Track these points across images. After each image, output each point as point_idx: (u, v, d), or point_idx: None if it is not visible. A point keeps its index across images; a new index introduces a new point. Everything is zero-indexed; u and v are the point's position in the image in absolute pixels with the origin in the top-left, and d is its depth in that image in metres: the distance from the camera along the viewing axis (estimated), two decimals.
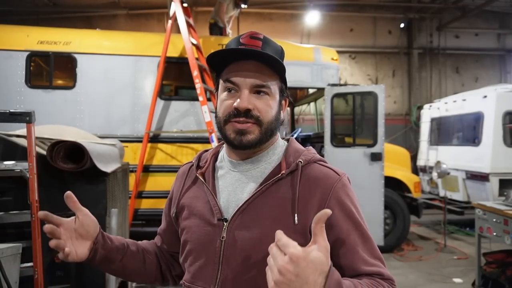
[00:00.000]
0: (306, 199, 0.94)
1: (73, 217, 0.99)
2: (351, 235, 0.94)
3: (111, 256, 1.05)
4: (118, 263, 1.07)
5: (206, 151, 1.15)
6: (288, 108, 6.80)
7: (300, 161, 0.97)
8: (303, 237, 0.92)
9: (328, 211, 0.73)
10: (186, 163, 1.16)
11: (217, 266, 0.95)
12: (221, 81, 1.00)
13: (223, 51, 0.96)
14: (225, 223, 0.96)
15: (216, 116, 1.01)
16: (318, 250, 0.71)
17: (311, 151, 1.04)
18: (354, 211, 0.96)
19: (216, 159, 1.09)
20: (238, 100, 0.94)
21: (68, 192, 0.98)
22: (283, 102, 1.03)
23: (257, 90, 0.95)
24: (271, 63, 0.95)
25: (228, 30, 5.85)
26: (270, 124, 0.97)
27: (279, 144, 1.05)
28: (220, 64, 1.00)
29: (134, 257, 1.11)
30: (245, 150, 0.98)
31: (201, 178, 1.04)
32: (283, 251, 0.70)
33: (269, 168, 1.00)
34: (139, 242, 1.18)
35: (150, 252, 1.16)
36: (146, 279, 1.14)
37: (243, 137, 0.95)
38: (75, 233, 0.98)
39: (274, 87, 0.98)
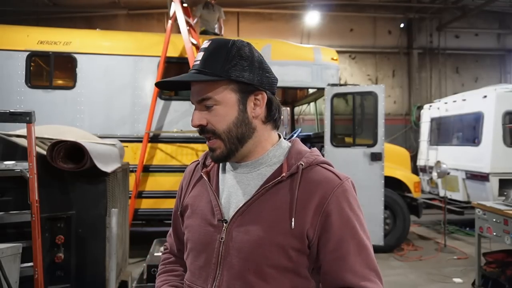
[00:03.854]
0: (304, 203, 0.92)
1: None
2: (344, 243, 0.91)
3: None
4: None
5: None
6: (288, 108, 6.85)
7: (301, 164, 0.95)
8: (300, 241, 0.91)
9: None
10: (194, 161, 1.17)
11: (216, 267, 0.95)
12: None
13: (163, 83, 1.03)
14: (224, 224, 0.96)
15: None
16: None
17: (314, 153, 1.01)
18: (353, 218, 0.93)
19: None
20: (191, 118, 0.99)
21: None
22: (256, 97, 0.97)
23: (204, 105, 0.95)
24: (201, 81, 0.94)
25: (216, 31, 5.99)
26: (229, 132, 0.95)
27: (281, 145, 1.03)
28: None
29: None
30: (223, 162, 1.03)
31: (205, 177, 1.04)
32: None
33: (269, 171, 0.98)
34: (175, 278, 1.14)
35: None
36: None
37: (213, 153, 0.98)
38: None
39: (221, 94, 0.94)
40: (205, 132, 0.97)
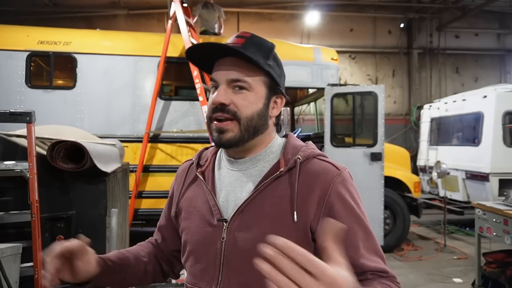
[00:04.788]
0: (305, 195, 0.91)
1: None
2: (352, 231, 0.91)
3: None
4: (121, 281, 1.06)
5: (207, 149, 1.14)
6: (288, 108, 6.84)
7: (299, 158, 0.95)
8: (304, 235, 0.90)
9: (336, 224, 0.60)
10: (186, 161, 1.15)
11: (218, 268, 0.93)
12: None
13: (195, 46, 0.99)
14: (225, 224, 0.94)
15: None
16: (343, 270, 0.57)
17: (310, 146, 1.02)
18: (355, 206, 0.93)
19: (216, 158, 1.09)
20: (215, 94, 0.95)
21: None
22: (276, 99, 1.01)
23: (235, 85, 0.94)
24: (249, 59, 0.92)
25: (216, 30, 5.98)
26: (250, 120, 0.94)
27: (277, 142, 1.04)
28: (209, 64, 1.00)
29: (135, 273, 1.08)
30: (228, 148, 0.99)
31: (200, 177, 1.03)
32: (309, 269, 0.55)
33: (267, 167, 0.98)
34: (138, 249, 1.13)
35: (150, 258, 1.13)
36: (146, 283, 1.13)
37: (222, 135, 0.94)
38: None
39: (256, 82, 0.95)
40: (223, 111, 0.93)
